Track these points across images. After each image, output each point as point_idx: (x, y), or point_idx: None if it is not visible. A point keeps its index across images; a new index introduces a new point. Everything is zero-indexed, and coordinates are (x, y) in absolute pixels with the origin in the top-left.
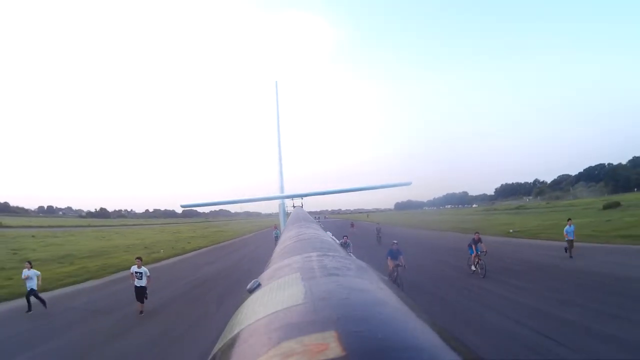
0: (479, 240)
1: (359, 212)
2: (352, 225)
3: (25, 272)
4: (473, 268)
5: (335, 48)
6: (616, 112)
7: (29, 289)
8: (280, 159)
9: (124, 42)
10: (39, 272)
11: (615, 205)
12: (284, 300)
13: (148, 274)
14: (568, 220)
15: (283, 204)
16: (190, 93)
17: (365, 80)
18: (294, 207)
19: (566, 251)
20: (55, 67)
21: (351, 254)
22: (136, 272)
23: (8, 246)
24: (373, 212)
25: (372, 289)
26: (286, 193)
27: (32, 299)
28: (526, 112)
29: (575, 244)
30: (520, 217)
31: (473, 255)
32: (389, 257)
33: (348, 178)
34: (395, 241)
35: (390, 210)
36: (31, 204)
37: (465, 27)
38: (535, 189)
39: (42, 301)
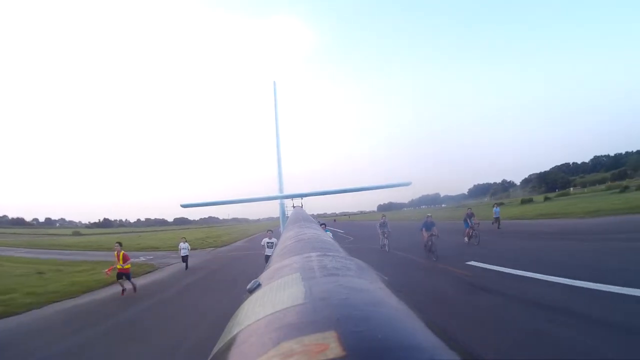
0: (472, 214)
1: (344, 214)
2: (335, 220)
3: (181, 245)
4: (466, 240)
5: (333, 49)
6: (590, 111)
7: (182, 256)
8: (279, 159)
9: (122, 48)
10: (189, 246)
11: (500, 204)
12: (284, 300)
13: (277, 242)
14: (494, 205)
15: (282, 204)
16: (184, 94)
17: (360, 81)
18: (293, 207)
19: (493, 223)
20: (50, 69)
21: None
22: (268, 243)
23: (153, 238)
24: (357, 214)
25: (372, 289)
26: (285, 193)
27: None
28: (513, 110)
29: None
30: (448, 212)
31: (467, 229)
32: (423, 229)
33: (346, 178)
34: (429, 214)
35: (373, 212)
36: (19, 215)
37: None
38: (491, 189)
39: (186, 265)
